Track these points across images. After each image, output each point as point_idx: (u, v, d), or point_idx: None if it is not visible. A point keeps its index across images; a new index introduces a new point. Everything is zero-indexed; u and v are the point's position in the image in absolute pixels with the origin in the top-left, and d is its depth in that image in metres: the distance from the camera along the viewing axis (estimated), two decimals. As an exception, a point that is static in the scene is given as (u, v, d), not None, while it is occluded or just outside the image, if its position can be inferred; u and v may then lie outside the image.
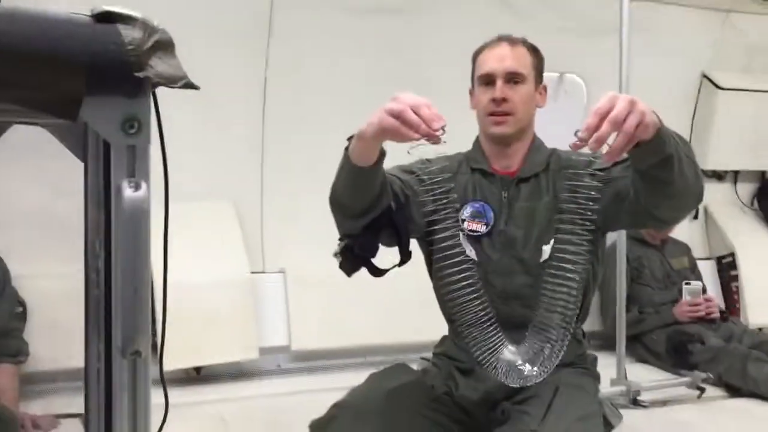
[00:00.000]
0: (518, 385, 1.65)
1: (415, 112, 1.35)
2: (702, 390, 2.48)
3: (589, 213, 1.72)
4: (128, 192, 0.69)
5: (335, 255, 1.77)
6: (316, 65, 2.83)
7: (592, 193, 1.72)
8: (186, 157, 2.65)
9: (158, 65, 0.69)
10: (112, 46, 0.68)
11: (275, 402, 2.32)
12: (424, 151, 1.46)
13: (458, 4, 2.99)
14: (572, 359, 1.79)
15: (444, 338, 1.91)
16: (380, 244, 1.78)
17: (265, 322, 2.70)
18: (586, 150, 1.36)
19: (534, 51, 1.81)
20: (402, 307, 2.63)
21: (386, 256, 1.79)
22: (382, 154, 1.53)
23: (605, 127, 1.28)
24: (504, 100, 1.72)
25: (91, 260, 0.78)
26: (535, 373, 1.63)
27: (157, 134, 0.75)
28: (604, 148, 1.36)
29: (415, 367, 1.85)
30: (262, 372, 2.69)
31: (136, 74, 0.68)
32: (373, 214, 1.67)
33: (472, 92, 1.82)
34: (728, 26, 3.56)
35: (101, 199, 0.72)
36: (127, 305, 0.71)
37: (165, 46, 0.70)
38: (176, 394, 2.40)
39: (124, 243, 0.70)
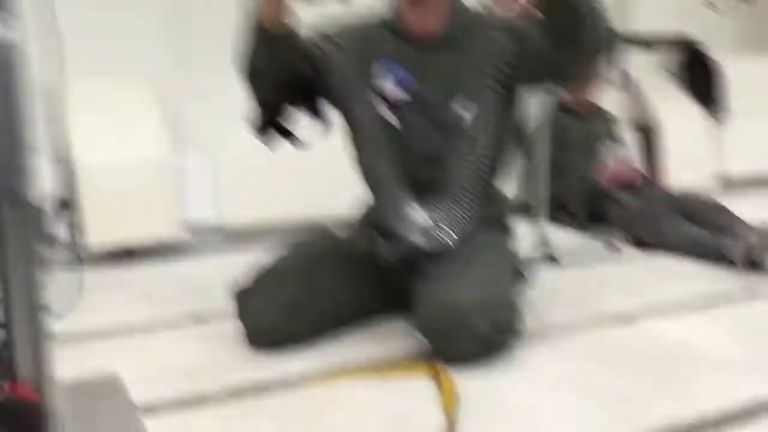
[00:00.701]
0: (432, 247, 1.70)
1: None
2: (617, 248, 2.60)
3: (507, 73, 1.74)
4: None
5: (253, 127, 1.76)
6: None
7: (510, 53, 1.73)
8: (94, 32, 2.56)
9: None
10: None
11: (205, 278, 2.35)
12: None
13: None
14: (491, 218, 1.86)
15: (368, 207, 1.94)
16: (299, 113, 1.77)
17: (193, 200, 2.69)
18: None
19: None
20: (330, 181, 2.63)
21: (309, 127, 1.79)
22: (293, 17, 1.51)
23: None
24: None
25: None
26: (446, 234, 1.68)
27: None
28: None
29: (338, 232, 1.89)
30: (193, 250, 2.70)
31: None
32: (286, 82, 1.66)
33: None
34: None
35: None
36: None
37: None
38: (106, 274, 2.41)
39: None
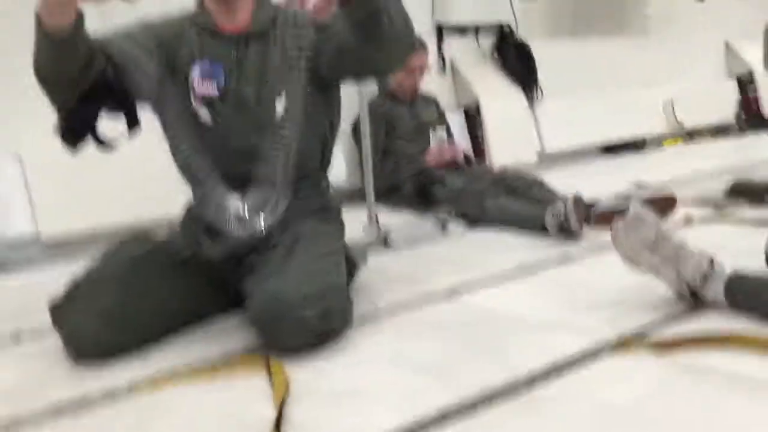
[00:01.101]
0: (248, 234, 1.70)
1: None
2: (444, 226, 2.71)
3: (314, 65, 1.77)
4: None
5: (56, 131, 1.67)
6: None
7: (315, 46, 1.76)
8: None
9: None
10: None
11: (24, 292, 2.21)
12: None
13: None
14: (315, 208, 1.88)
15: (187, 205, 1.91)
16: (101, 114, 1.70)
17: (6, 210, 2.52)
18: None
19: None
20: (153, 181, 2.56)
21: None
22: (80, 17, 1.44)
23: None
24: None
25: None
26: (262, 221, 1.69)
27: None
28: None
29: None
30: (8, 263, 2.52)
31: None
32: (83, 84, 1.58)
33: None
34: None
35: None
36: None
37: None
38: None
39: None
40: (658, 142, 4.84)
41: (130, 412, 1.38)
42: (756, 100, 5.37)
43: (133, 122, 1.72)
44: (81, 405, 1.41)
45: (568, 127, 4.25)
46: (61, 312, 1.60)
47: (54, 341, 1.63)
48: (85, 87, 1.58)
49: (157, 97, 1.77)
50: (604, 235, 2.30)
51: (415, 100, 3.49)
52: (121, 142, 1.66)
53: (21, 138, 2.58)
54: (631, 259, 1.76)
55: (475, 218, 2.79)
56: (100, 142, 1.69)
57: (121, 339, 1.60)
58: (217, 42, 1.78)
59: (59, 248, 2.59)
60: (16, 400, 1.43)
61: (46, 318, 1.63)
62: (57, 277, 1.74)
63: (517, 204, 2.75)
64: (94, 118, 1.67)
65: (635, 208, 1.82)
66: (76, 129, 1.65)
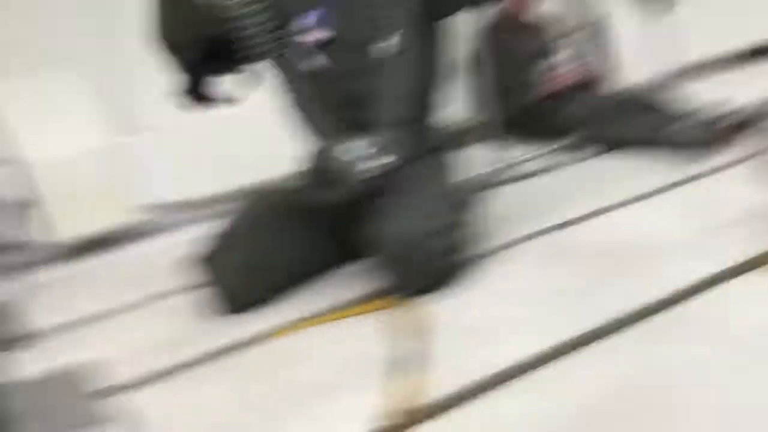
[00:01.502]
0: (374, 172, 1.71)
1: None
2: (576, 151, 2.61)
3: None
4: None
5: (178, 93, 1.75)
6: None
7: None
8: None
9: None
10: None
11: (169, 254, 2.35)
12: None
13: None
14: (429, 146, 1.87)
15: (309, 153, 1.95)
16: (223, 72, 1.76)
17: (149, 179, 2.69)
18: None
19: None
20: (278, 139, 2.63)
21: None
22: None
23: None
24: None
25: None
26: (387, 159, 1.70)
27: None
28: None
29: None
30: (158, 229, 2.69)
31: None
32: (203, 41, 1.64)
33: None
34: None
35: None
36: None
37: None
38: (74, 267, 2.38)
39: None
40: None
41: (264, 359, 1.47)
42: None
43: (254, 79, 1.77)
44: (224, 351, 1.51)
45: (710, 33, 3.89)
46: (209, 266, 1.71)
47: (193, 298, 1.75)
48: (205, 45, 1.64)
49: (272, 49, 1.81)
50: (741, 150, 2.14)
51: (530, 26, 3.33)
52: (243, 97, 1.73)
53: (154, 110, 2.71)
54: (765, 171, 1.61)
55: (608, 138, 2.65)
56: (222, 99, 1.77)
57: (262, 289, 1.70)
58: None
59: (199, 209, 2.74)
60: (169, 351, 1.56)
61: (189, 274, 1.75)
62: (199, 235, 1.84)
63: (647, 123, 2.58)
64: (216, 75, 1.74)
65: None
66: (198, 87, 1.72)
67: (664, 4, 3.79)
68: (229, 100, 1.79)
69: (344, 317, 1.58)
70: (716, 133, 2.31)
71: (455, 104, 2.68)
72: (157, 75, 1.90)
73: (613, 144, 2.61)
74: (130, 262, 2.35)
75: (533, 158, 2.61)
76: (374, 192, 1.77)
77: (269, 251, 1.71)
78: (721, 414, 0.99)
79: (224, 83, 1.84)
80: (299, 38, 1.78)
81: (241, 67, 1.82)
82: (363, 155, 1.74)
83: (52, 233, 2.44)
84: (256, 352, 1.50)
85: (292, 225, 1.77)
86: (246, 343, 1.53)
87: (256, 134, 2.50)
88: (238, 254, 1.69)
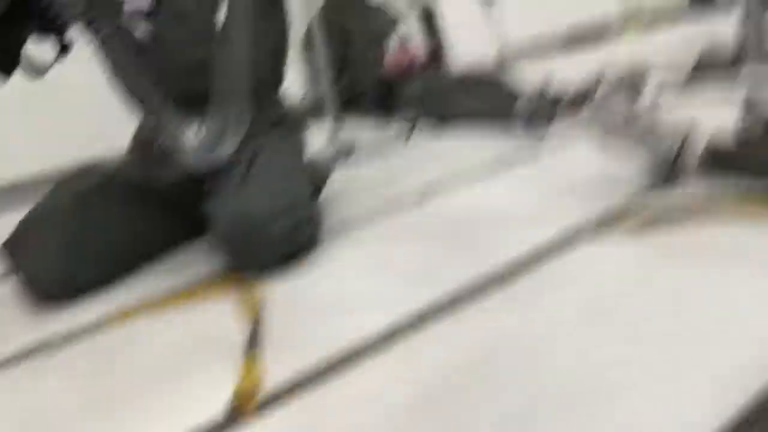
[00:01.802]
0: (208, 165, 1.61)
1: None
2: (412, 128, 2.64)
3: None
4: None
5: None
6: None
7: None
8: None
9: None
10: None
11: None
12: None
13: None
14: (273, 122, 1.78)
15: (138, 128, 1.80)
16: (30, 38, 1.57)
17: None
18: None
19: None
20: (98, 112, 2.42)
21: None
22: None
23: None
24: None
25: None
26: (223, 148, 1.59)
27: None
28: None
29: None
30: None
31: None
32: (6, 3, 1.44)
33: None
34: None
35: None
36: None
37: None
38: None
39: None
40: (618, 30, 4.74)
41: (101, 349, 1.32)
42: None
43: (64, 46, 1.58)
44: (45, 346, 1.35)
45: (528, 18, 4.12)
46: (15, 253, 1.51)
47: (9, 287, 1.56)
48: (4, 9, 1.44)
49: (85, 17, 1.63)
50: (574, 123, 2.25)
51: (369, 5, 3.33)
52: (51, 66, 1.54)
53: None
54: (605, 141, 1.71)
55: (439, 120, 2.70)
56: (28, 68, 1.57)
57: (80, 276, 1.52)
58: (146, -50, 1.64)
59: (8, 193, 2.47)
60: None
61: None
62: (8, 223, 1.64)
63: (481, 101, 2.67)
64: (20, 42, 1.54)
65: (604, 90, 1.75)
66: (2, 53, 1.51)
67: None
68: (35, 70, 1.58)
69: (184, 300, 1.47)
70: (552, 108, 2.42)
71: (294, 82, 2.62)
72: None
73: (450, 120, 2.66)
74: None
75: (372, 137, 2.60)
76: (212, 170, 1.66)
77: (93, 229, 1.55)
78: (577, 376, 1.01)
79: (28, 49, 1.63)
80: (119, 2, 1.63)
81: (50, 31, 1.62)
82: (203, 140, 1.62)
83: None
84: (76, 347, 1.35)
85: (119, 204, 1.62)
86: (64, 338, 1.37)
87: (74, 106, 2.29)
88: (59, 232, 1.51)
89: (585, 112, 1.70)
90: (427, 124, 2.72)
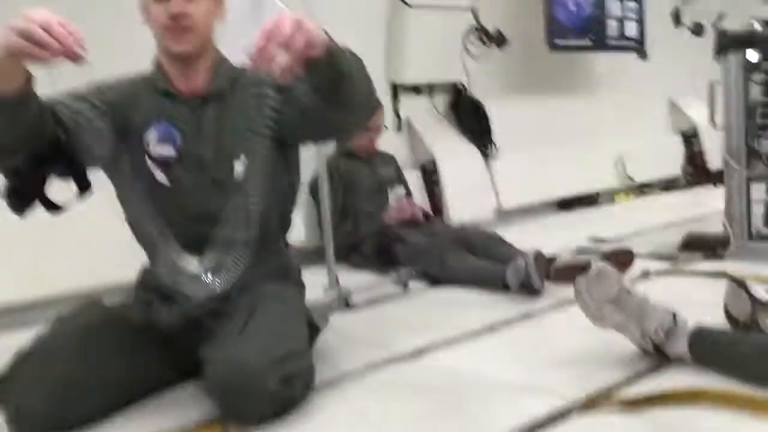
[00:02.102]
0: (204, 295, 1.64)
1: (47, 31, 1.24)
2: (406, 285, 2.69)
3: (276, 128, 1.74)
4: None
5: (2, 196, 1.61)
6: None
7: (278, 108, 1.74)
8: None
9: None
10: None
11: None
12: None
13: None
14: (274, 270, 1.84)
15: (143, 269, 1.85)
16: (53, 177, 1.65)
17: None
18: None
19: None
20: (104, 245, 2.49)
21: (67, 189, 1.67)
22: (28, 80, 1.39)
23: (272, 47, 1.32)
24: (182, 15, 1.66)
25: None
26: (217, 282, 1.64)
27: None
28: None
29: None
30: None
31: None
32: (32, 148, 1.53)
33: (144, 7, 1.71)
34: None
35: None
36: None
37: None
38: None
39: None
40: (610, 196, 4.93)
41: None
42: (701, 154, 5.53)
43: (83, 185, 1.66)
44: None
45: (523, 184, 4.30)
46: (7, 387, 1.51)
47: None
48: (35, 151, 1.53)
49: (110, 160, 1.73)
50: (566, 291, 2.31)
51: (373, 158, 3.50)
52: (71, 205, 1.61)
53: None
54: (595, 315, 1.76)
55: (436, 276, 2.77)
56: (49, 205, 1.64)
57: (72, 414, 1.51)
58: (174, 104, 1.76)
59: (8, 316, 2.48)
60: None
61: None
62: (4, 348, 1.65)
63: (477, 261, 2.75)
64: (44, 181, 1.62)
65: (596, 263, 1.82)
66: (24, 192, 1.59)
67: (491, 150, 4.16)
68: (56, 207, 1.65)
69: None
70: (546, 271, 2.49)
71: (296, 228, 2.71)
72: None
73: (447, 276, 2.72)
74: None
75: (368, 287, 2.65)
76: (209, 312, 1.70)
77: (88, 370, 1.54)
78: None
79: (51, 188, 1.71)
80: (143, 149, 1.73)
81: (73, 172, 1.70)
82: (200, 273, 1.67)
83: None
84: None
85: (119, 342, 1.63)
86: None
87: (84, 239, 2.35)
88: (52, 371, 1.51)
89: (579, 283, 1.75)
90: (424, 278, 2.78)
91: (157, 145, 1.73)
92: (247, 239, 1.68)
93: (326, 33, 1.44)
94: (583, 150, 4.74)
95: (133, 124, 1.73)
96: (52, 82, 1.51)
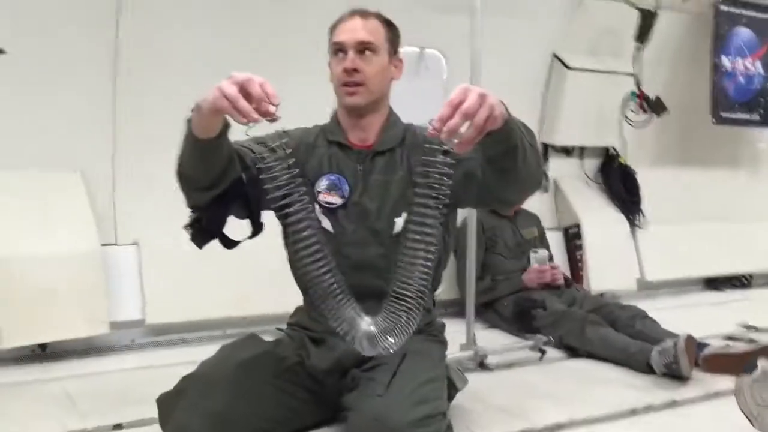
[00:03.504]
0: (374, 355, 1.68)
1: (248, 91, 1.36)
2: (543, 352, 2.64)
3: (441, 189, 1.77)
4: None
5: (185, 227, 1.75)
6: (171, 36, 2.74)
7: (445, 170, 1.77)
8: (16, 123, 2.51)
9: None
10: None
11: (127, 377, 2.26)
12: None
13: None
14: (421, 327, 1.86)
15: (298, 309, 1.93)
16: (231, 216, 1.77)
17: (118, 295, 2.61)
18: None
19: (387, 24, 1.85)
20: (258, 279, 2.63)
21: (239, 226, 1.79)
22: (225, 126, 1.52)
23: (457, 118, 1.35)
24: (355, 70, 1.76)
25: None
26: (391, 342, 1.66)
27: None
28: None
29: (268, 338, 1.87)
30: (114, 347, 2.60)
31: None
32: (220, 187, 1.66)
33: (329, 65, 1.83)
34: (578, 10, 3.76)
35: None
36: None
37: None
38: (18, 373, 2.30)
39: None
40: (765, 280, 4.62)
41: None
42: None
43: (257, 227, 1.78)
44: None
45: (670, 257, 4.12)
46: (169, 409, 1.62)
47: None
48: (221, 189, 1.65)
49: (283, 203, 1.83)
50: (716, 382, 2.18)
51: (517, 216, 3.49)
52: (244, 240, 1.72)
53: (140, 227, 2.70)
54: (755, 416, 1.66)
55: (574, 347, 2.70)
56: (225, 240, 1.76)
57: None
58: (345, 155, 1.84)
59: (164, 333, 2.66)
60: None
61: (149, 409, 1.66)
62: (160, 362, 1.77)
63: (620, 337, 2.65)
64: (224, 218, 1.74)
65: (762, 362, 1.72)
66: (205, 227, 1.71)
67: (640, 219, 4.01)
68: (231, 241, 1.78)
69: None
70: (692, 362, 2.36)
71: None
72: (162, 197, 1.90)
73: (583, 351, 2.65)
74: (83, 380, 2.22)
75: (503, 350, 2.62)
76: (358, 361, 1.74)
77: (244, 402, 1.63)
78: None
79: (229, 223, 1.83)
80: (313, 196, 1.81)
81: (251, 213, 1.82)
82: (374, 333, 1.68)
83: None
84: None
85: (273, 379, 1.71)
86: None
87: (242, 270, 2.50)
88: (212, 399, 1.60)
89: (742, 382, 1.66)
90: (561, 347, 2.72)
91: (326, 193, 1.82)
92: (413, 296, 1.71)
93: (504, 106, 1.46)
94: (738, 227, 4.48)
95: (307, 171, 1.82)
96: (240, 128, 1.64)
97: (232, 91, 1.36)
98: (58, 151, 2.57)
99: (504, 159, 1.55)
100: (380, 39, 1.81)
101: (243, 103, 1.36)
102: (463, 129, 1.36)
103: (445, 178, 1.74)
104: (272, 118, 1.40)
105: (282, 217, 1.86)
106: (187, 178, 1.64)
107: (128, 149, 2.73)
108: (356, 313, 1.67)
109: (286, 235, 1.85)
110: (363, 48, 1.77)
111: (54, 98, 2.57)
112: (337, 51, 1.79)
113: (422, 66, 3.40)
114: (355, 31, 1.78)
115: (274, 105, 1.39)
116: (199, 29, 2.79)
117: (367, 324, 1.67)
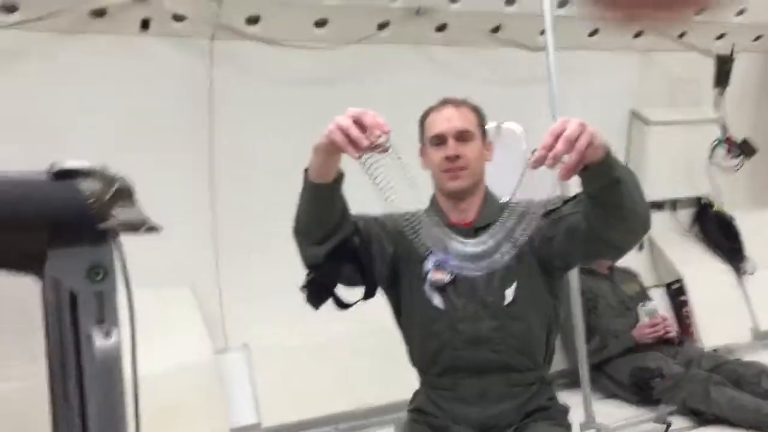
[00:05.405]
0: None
1: (360, 122, 1.44)
2: (668, 425, 2.52)
3: (546, 253, 1.77)
4: (99, 340, 0.70)
5: (302, 288, 1.79)
6: (262, 145, 2.88)
7: (546, 233, 1.77)
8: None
9: (120, 214, 0.71)
10: (73, 201, 0.70)
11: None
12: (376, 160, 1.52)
13: (392, 70, 3.10)
14: (544, 404, 1.83)
15: (416, 393, 1.93)
16: (343, 279, 1.80)
17: (234, 401, 2.67)
18: (542, 169, 1.42)
19: (476, 110, 1.92)
20: (367, 370, 2.64)
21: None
22: (340, 174, 1.59)
23: (560, 145, 1.37)
24: (457, 156, 1.81)
25: (60, 409, 0.78)
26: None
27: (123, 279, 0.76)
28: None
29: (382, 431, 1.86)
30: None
31: (99, 226, 0.70)
32: (333, 240, 1.70)
33: (423, 153, 1.89)
34: (650, 64, 3.74)
35: (71, 350, 0.72)
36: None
37: (125, 194, 0.72)
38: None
39: (98, 391, 0.70)
40: None
41: None
42: None
43: (371, 288, 1.81)
44: None
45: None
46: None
47: None
48: (335, 243, 1.69)
49: (391, 281, 1.86)
50: None
51: (614, 273, 3.40)
52: (356, 303, 1.74)
53: (249, 328, 2.78)
54: None
55: (700, 410, 2.57)
56: (339, 302, 1.80)
57: None
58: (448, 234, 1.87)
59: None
60: None
61: None
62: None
63: (748, 397, 2.52)
64: (337, 274, 1.78)
65: None
66: (318, 280, 1.75)
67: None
68: (344, 305, 1.81)
69: None
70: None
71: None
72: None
73: (710, 415, 2.53)
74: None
75: (625, 424, 2.53)
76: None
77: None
78: None
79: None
80: (421, 274, 1.84)
81: (361, 279, 1.85)
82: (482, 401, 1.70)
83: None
84: None
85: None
86: None
87: (351, 363, 2.52)
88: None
89: None
90: (685, 412, 2.60)
91: (435, 271, 1.84)
92: (532, 368, 1.69)
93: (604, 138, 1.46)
94: None
95: (414, 251, 1.84)
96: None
97: (347, 122, 1.44)
98: (169, 267, 2.69)
99: (608, 193, 1.52)
100: (473, 125, 1.86)
101: (355, 131, 1.43)
102: (565, 158, 1.37)
103: (547, 242, 1.74)
104: (383, 148, 1.45)
105: (394, 294, 1.88)
106: (303, 234, 1.70)
107: (230, 258, 2.83)
108: (471, 389, 1.67)
109: (399, 313, 1.87)
110: (461, 135, 1.83)
111: (160, 219, 2.70)
112: (436, 140, 1.85)
113: (500, 140, 3.43)
114: (452, 120, 1.84)
115: (385, 133, 1.44)
116: (288, 135, 2.92)
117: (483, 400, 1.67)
